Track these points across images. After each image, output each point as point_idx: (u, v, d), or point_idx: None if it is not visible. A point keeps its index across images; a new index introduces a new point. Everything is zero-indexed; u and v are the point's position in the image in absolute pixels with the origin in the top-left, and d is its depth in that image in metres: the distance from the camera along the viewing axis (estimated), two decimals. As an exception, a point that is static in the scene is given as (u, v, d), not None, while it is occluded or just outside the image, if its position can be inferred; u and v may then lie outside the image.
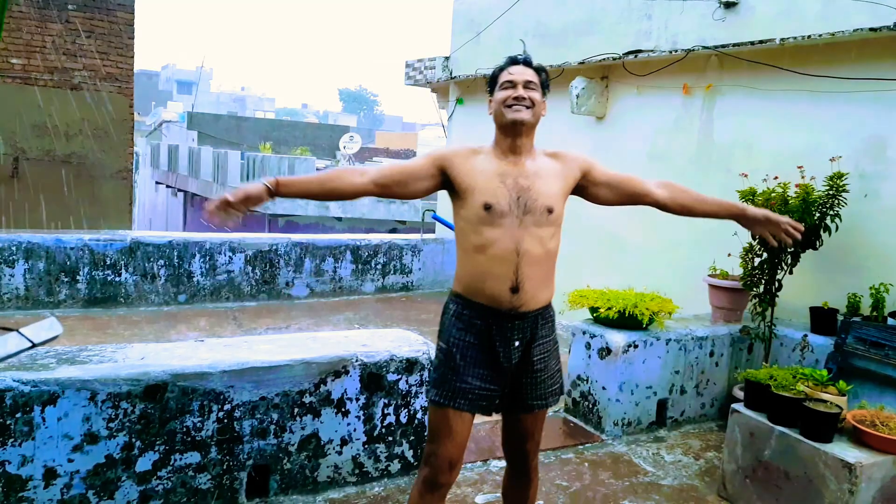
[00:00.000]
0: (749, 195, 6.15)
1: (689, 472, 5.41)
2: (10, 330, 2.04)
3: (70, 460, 3.75)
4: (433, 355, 4.83)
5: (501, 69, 3.38)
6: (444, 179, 3.31)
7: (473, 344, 3.27)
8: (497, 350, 3.25)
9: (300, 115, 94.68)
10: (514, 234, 3.17)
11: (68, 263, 8.82)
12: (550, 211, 3.25)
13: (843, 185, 5.91)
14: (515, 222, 3.18)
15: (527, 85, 3.28)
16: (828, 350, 5.90)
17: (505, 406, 3.43)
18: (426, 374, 4.83)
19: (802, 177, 6.06)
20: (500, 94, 3.29)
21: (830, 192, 5.94)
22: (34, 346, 2.05)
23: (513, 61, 3.37)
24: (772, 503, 4.59)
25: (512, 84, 3.28)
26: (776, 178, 6.13)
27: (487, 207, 3.17)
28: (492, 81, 3.40)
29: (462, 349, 3.27)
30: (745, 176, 6.35)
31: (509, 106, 3.25)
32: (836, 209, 5.96)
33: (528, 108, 3.26)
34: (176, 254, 9.51)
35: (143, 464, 3.95)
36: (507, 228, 3.17)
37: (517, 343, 3.27)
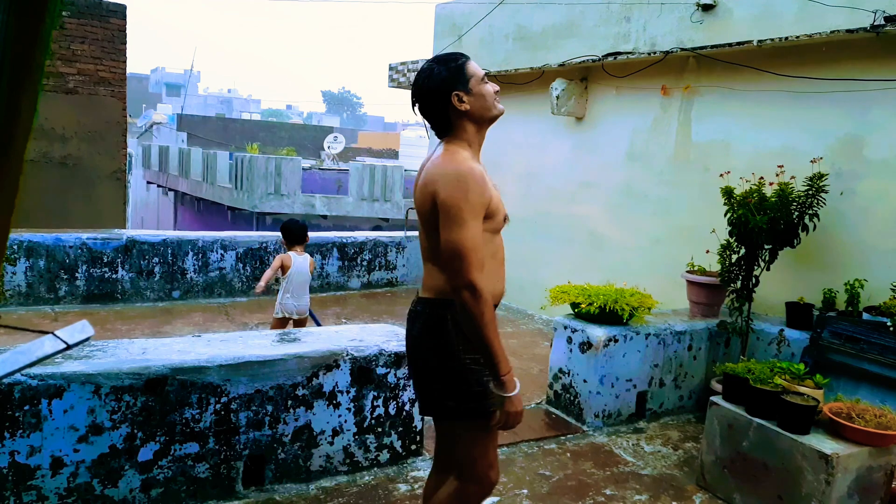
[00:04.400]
0: (727, 193, 6.32)
1: (668, 463, 5.55)
2: (46, 333, 2.18)
3: (76, 450, 3.89)
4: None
5: (467, 63, 3.15)
6: None
7: None
8: None
9: (285, 116, 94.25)
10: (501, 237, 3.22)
11: (67, 261, 8.98)
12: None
13: (824, 185, 6.07)
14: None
15: None
16: (803, 344, 6.07)
17: None
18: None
19: (776, 175, 6.23)
20: (488, 87, 3.13)
21: (810, 192, 6.10)
22: (69, 347, 2.18)
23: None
24: (750, 493, 4.72)
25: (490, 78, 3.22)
26: (761, 177, 6.28)
27: (506, 219, 3.18)
28: (463, 75, 3.09)
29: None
30: (723, 176, 6.51)
31: (496, 100, 3.15)
32: (815, 209, 6.12)
33: None
34: (170, 251, 9.64)
35: (145, 454, 4.09)
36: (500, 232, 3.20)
37: None
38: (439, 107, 3.08)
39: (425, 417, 5.13)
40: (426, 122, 3.19)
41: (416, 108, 3.17)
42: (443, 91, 3.05)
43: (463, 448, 3.20)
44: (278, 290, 7.32)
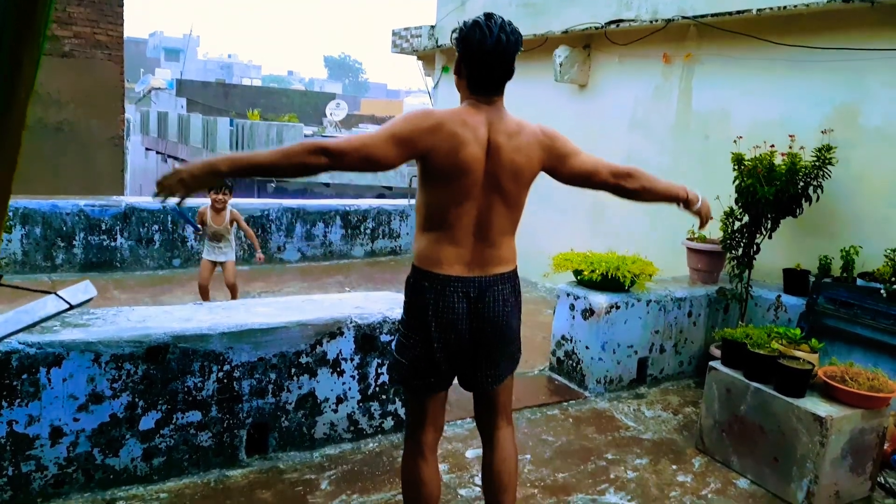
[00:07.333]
0: (738, 160, 6.31)
1: (668, 427, 5.62)
2: (49, 293, 2.16)
3: (76, 419, 3.88)
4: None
5: None
6: None
7: None
8: None
9: (286, 82, 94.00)
10: None
11: (64, 229, 8.94)
12: None
13: (831, 157, 6.07)
14: None
15: None
16: (800, 310, 6.14)
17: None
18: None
19: (790, 147, 6.22)
20: None
21: (817, 164, 6.10)
22: (71, 307, 2.16)
23: None
24: (747, 455, 4.81)
25: None
26: (772, 146, 6.26)
27: None
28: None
29: None
30: (736, 142, 6.51)
31: None
32: (821, 180, 6.13)
33: None
34: (170, 219, 9.60)
35: (147, 422, 4.09)
36: None
37: None
38: (514, 63, 3.09)
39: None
40: (499, 74, 3.06)
41: (508, 58, 3.03)
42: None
43: (512, 392, 3.50)
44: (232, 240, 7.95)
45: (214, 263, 7.77)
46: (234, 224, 7.80)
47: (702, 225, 3.72)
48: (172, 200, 2.77)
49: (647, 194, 3.45)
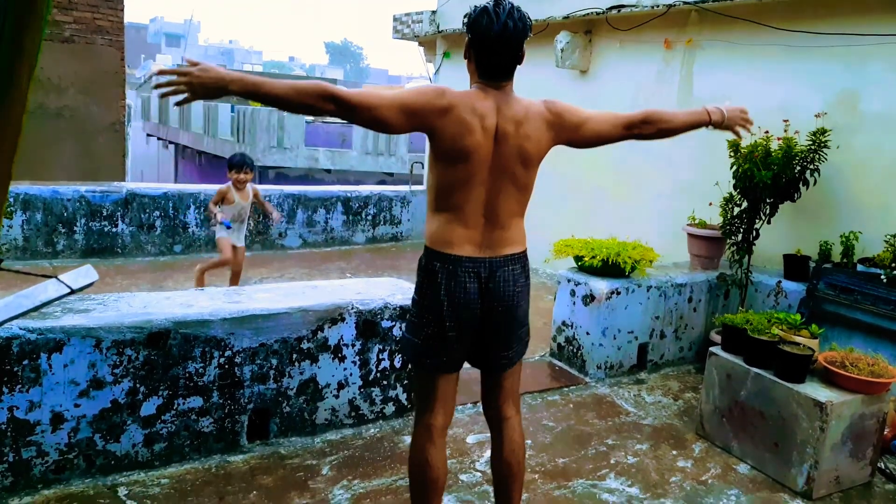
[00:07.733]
0: (734, 146, 6.30)
1: (668, 413, 5.62)
2: (49, 277, 2.15)
3: (77, 405, 3.88)
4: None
5: None
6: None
7: None
8: None
9: (287, 68, 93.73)
10: None
11: (65, 214, 8.95)
12: None
13: (826, 140, 6.07)
14: None
15: None
16: (800, 295, 6.14)
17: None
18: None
19: (786, 130, 6.21)
20: None
21: (812, 147, 6.10)
22: (73, 291, 2.16)
23: None
24: (747, 441, 4.81)
25: None
26: (766, 131, 6.22)
27: None
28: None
29: None
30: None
31: None
32: (817, 164, 6.13)
33: None
34: (171, 205, 9.62)
35: (148, 408, 4.10)
36: None
37: None
38: (522, 49, 3.09)
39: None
40: (507, 61, 3.06)
41: (516, 45, 3.03)
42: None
43: (519, 378, 3.49)
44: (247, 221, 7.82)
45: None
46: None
47: (738, 133, 3.81)
48: (175, 98, 2.72)
49: (668, 133, 3.52)
